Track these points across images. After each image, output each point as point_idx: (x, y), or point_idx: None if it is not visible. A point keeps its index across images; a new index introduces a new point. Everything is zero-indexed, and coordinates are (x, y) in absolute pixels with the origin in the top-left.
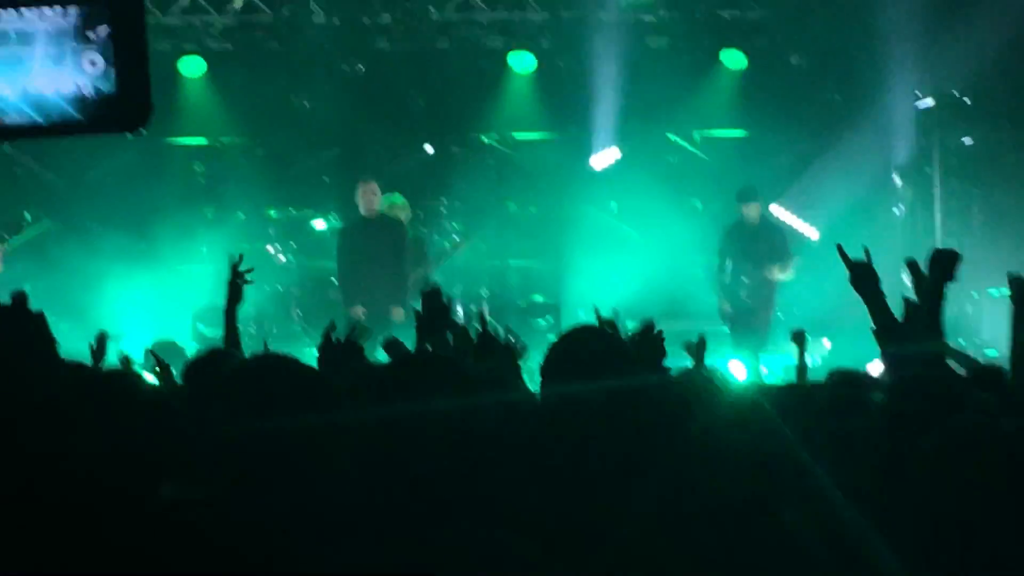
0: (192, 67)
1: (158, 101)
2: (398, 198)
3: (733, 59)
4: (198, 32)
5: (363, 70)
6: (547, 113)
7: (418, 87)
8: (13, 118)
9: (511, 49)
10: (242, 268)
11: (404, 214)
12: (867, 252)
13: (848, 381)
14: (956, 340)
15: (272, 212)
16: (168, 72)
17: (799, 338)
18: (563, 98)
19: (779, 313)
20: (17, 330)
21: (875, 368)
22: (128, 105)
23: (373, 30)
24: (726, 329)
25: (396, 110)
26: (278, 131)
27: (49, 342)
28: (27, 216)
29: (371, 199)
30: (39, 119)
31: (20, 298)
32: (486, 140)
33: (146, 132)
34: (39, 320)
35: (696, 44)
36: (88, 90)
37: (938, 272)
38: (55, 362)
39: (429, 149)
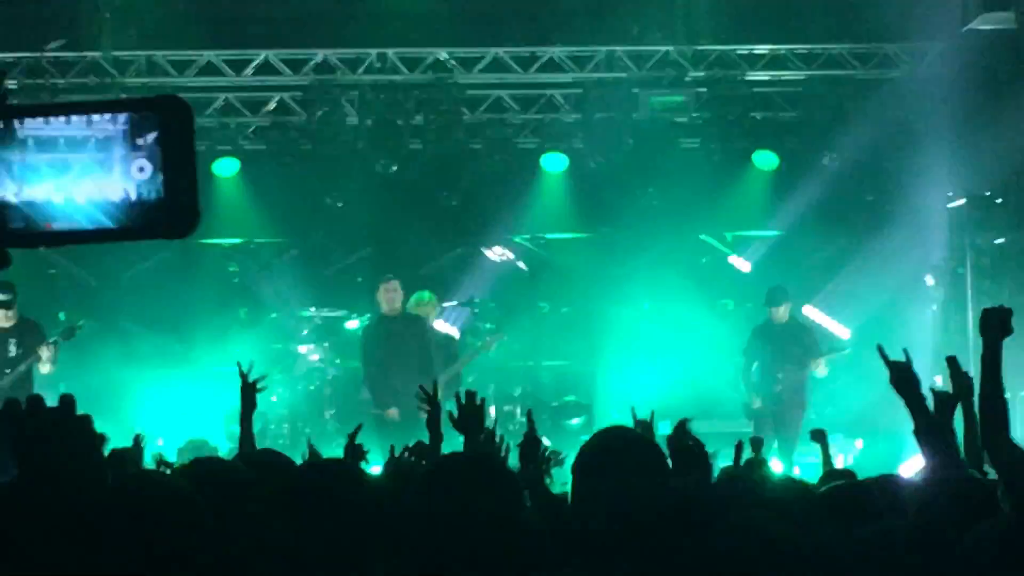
0: (226, 167)
1: None
2: (426, 295)
3: (765, 160)
4: (232, 133)
5: (396, 170)
6: (579, 213)
7: (451, 187)
8: (61, 224)
9: (543, 149)
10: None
11: (432, 311)
12: (907, 353)
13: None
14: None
15: (305, 312)
16: (202, 173)
17: (819, 436)
18: (595, 198)
19: (812, 413)
20: (64, 433)
21: (908, 468)
22: (176, 212)
23: (406, 131)
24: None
25: (429, 210)
26: (312, 231)
27: (93, 446)
28: (62, 316)
29: (392, 297)
30: (87, 225)
31: (68, 401)
32: (518, 240)
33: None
34: (85, 424)
35: (728, 145)
36: (136, 196)
37: (993, 331)
38: (100, 465)
39: (522, 265)
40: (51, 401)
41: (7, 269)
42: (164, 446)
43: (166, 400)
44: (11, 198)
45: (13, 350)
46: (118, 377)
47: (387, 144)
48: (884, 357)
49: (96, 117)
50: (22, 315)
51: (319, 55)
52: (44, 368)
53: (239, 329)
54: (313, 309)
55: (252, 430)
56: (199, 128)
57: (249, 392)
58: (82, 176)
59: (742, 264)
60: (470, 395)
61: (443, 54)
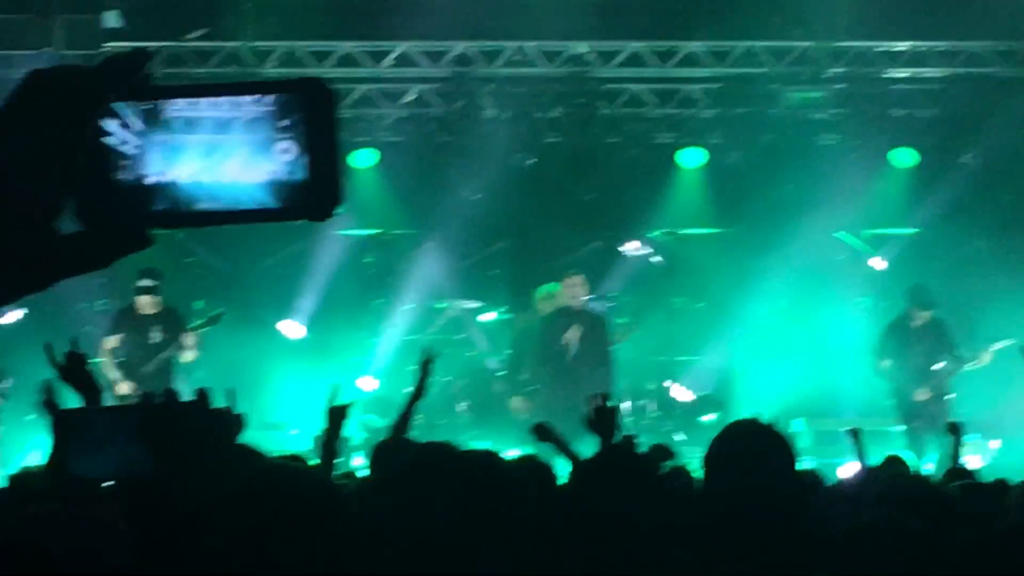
0: (364, 159)
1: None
2: (555, 286)
3: (903, 157)
4: (370, 124)
5: (533, 163)
6: (715, 209)
7: (587, 181)
8: (206, 205)
9: (680, 144)
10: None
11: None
12: None
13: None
14: None
15: (440, 304)
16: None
17: (955, 430)
18: (731, 194)
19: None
20: (200, 427)
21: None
22: (321, 192)
23: (543, 124)
24: (886, 428)
25: (565, 204)
26: (448, 223)
27: (229, 440)
28: (199, 305)
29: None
30: (231, 206)
31: (204, 395)
32: (654, 235)
33: (322, 223)
34: (222, 418)
35: (866, 142)
36: (281, 177)
37: None
38: (231, 459)
39: (657, 259)
40: (189, 392)
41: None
42: (299, 435)
43: (301, 390)
44: (158, 179)
45: (157, 337)
46: (254, 367)
47: (524, 137)
48: None
49: (243, 98)
50: (166, 303)
51: (458, 47)
52: (187, 356)
53: (374, 320)
54: (448, 301)
55: (334, 458)
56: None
57: (336, 416)
58: (227, 157)
59: (879, 263)
60: (603, 398)
61: (581, 47)
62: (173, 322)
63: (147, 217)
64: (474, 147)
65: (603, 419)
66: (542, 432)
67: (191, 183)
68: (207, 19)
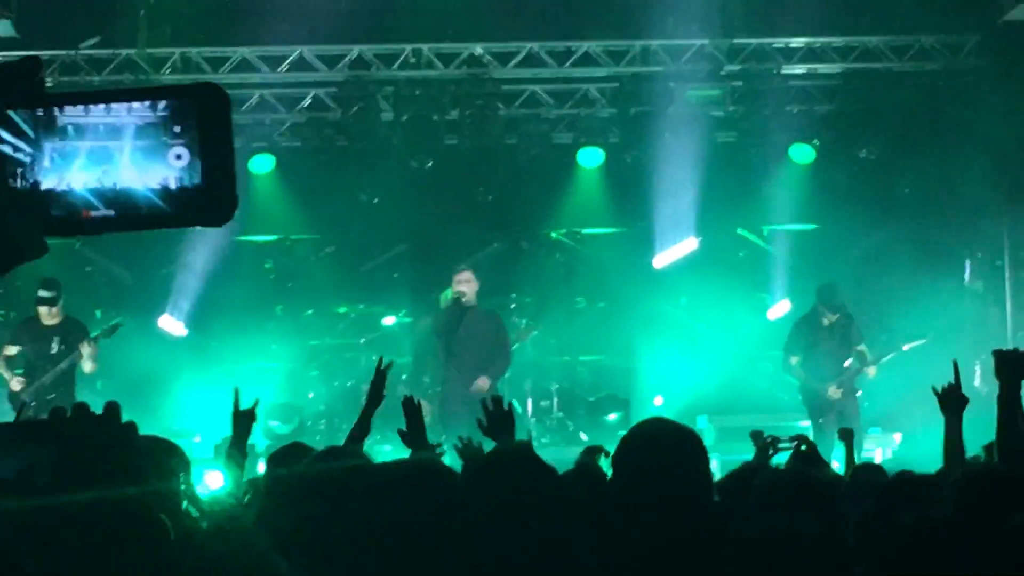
0: (261, 164)
1: None
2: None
3: (802, 153)
4: (267, 129)
5: (432, 166)
6: (615, 208)
7: (487, 182)
8: (101, 211)
9: (579, 144)
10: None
11: None
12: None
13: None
14: None
15: (341, 308)
16: (238, 169)
17: (847, 436)
18: (631, 193)
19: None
20: (107, 440)
21: None
22: (214, 199)
23: (441, 126)
24: (791, 423)
25: (465, 205)
26: (347, 227)
27: (136, 454)
28: (98, 314)
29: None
30: (126, 213)
31: (113, 408)
32: (555, 235)
33: (220, 229)
34: (130, 431)
35: (765, 139)
36: (174, 184)
37: (1011, 375)
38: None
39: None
40: (91, 399)
41: (46, 260)
42: (201, 443)
43: (202, 397)
44: (52, 185)
45: (56, 347)
46: (155, 374)
47: (422, 140)
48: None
49: (136, 104)
50: (67, 314)
51: (354, 51)
52: (87, 366)
53: (275, 326)
54: (348, 305)
55: (241, 459)
56: (234, 125)
57: (242, 420)
58: (122, 163)
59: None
60: (497, 400)
61: (478, 49)
62: (73, 333)
63: (43, 224)
64: (372, 151)
65: (497, 422)
66: (408, 406)
67: (86, 189)
68: (100, 26)
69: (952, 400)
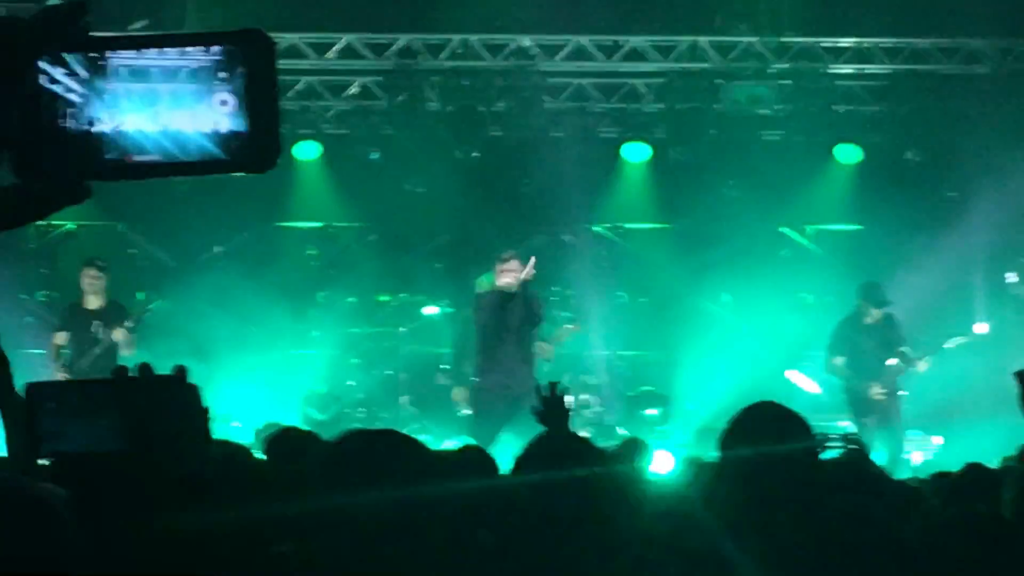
0: (307, 151)
1: (272, 186)
2: (491, 277)
3: (847, 153)
4: (313, 116)
5: (476, 156)
6: (659, 204)
7: (531, 175)
8: (149, 155)
9: (624, 139)
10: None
11: None
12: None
13: None
14: None
15: (383, 297)
16: (283, 156)
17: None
18: (676, 189)
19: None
20: (176, 404)
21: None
22: (258, 145)
23: (487, 117)
24: (833, 424)
25: (509, 197)
26: (391, 216)
27: (206, 417)
28: (140, 296)
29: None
30: (174, 156)
31: (182, 371)
32: (597, 229)
33: (263, 214)
34: (196, 394)
35: (811, 138)
36: (221, 128)
37: None
38: (209, 436)
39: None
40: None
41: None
42: (241, 428)
43: (243, 383)
44: (103, 128)
45: (98, 332)
46: (195, 358)
47: (468, 130)
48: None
49: (189, 49)
50: (110, 298)
51: (402, 40)
52: (125, 351)
53: (317, 313)
54: (390, 294)
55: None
56: (281, 112)
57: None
58: (171, 107)
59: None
60: (552, 387)
61: (526, 41)
62: (114, 316)
63: (94, 166)
64: (417, 140)
65: (552, 408)
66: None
67: (137, 132)
68: (150, 9)
69: None
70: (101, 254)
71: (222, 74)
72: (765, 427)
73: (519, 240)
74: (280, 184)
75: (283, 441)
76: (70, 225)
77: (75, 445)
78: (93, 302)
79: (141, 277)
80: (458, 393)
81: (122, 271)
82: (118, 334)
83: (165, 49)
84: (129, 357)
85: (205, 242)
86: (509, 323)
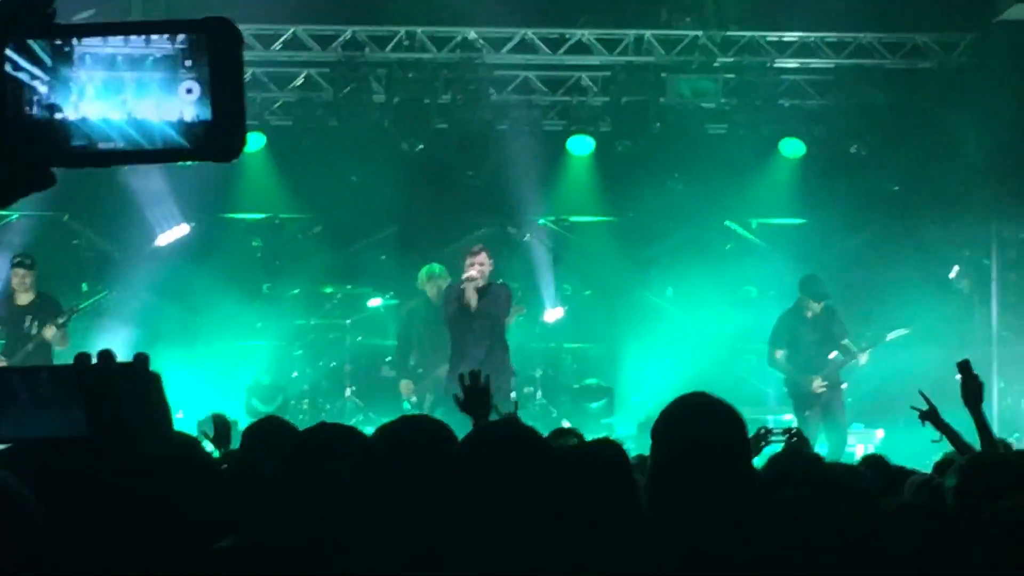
0: (252, 143)
1: (217, 177)
2: (436, 267)
3: (792, 147)
4: (259, 107)
5: (422, 149)
6: (604, 197)
7: (476, 167)
8: (114, 143)
9: (569, 132)
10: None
11: (443, 284)
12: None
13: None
14: (1011, 434)
15: (328, 288)
16: None
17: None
18: (621, 182)
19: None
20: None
21: None
22: (223, 134)
23: (433, 110)
24: (775, 417)
25: (454, 190)
26: (336, 208)
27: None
28: (84, 287)
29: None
30: (139, 144)
31: (143, 358)
32: (542, 222)
33: (208, 205)
34: (158, 382)
35: (755, 132)
36: (186, 117)
37: (976, 403)
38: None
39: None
40: None
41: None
42: (183, 419)
43: (187, 373)
44: (67, 115)
45: (29, 327)
46: (138, 348)
47: (413, 123)
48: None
49: (154, 38)
50: (40, 291)
51: (348, 31)
52: (58, 347)
53: (261, 304)
54: (335, 285)
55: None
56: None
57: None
58: (136, 95)
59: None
60: (475, 376)
61: (472, 33)
62: (45, 311)
63: (58, 154)
64: (363, 132)
65: (474, 398)
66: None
67: (102, 119)
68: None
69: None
70: (43, 244)
71: (188, 62)
72: (695, 416)
73: (464, 233)
74: (225, 175)
75: (267, 431)
76: (12, 216)
77: (34, 431)
78: (23, 298)
79: (85, 267)
80: (406, 385)
81: (66, 262)
82: (48, 332)
83: (131, 37)
84: (62, 352)
85: (149, 233)
86: (477, 316)
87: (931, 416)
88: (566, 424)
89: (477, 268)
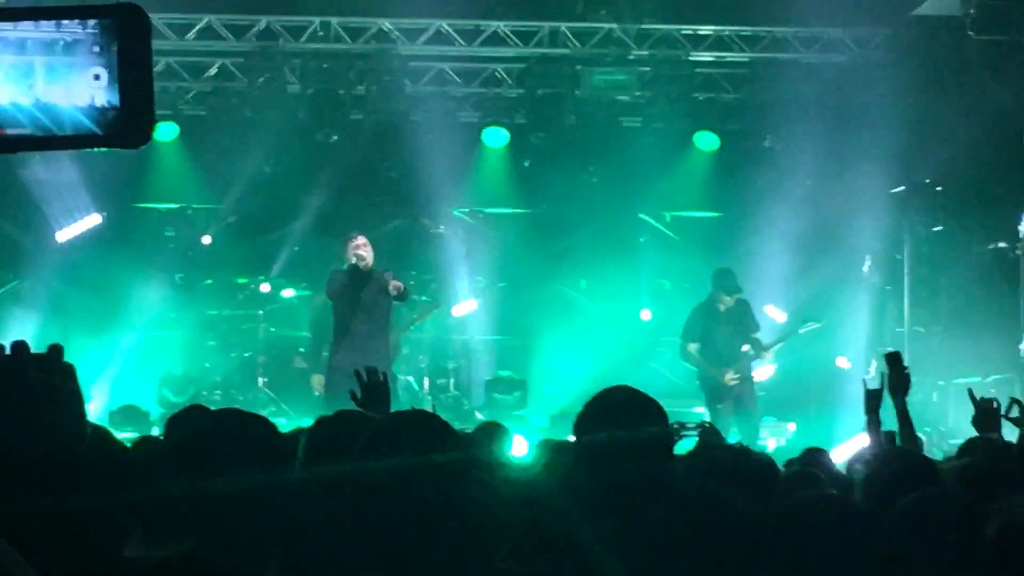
0: (165, 132)
1: (130, 166)
2: None
3: (706, 141)
4: (172, 97)
5: (336, 140)
6: (519, 189)
7: (391, 159)
8: (27, 128)
9: (484, 124)
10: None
11: None
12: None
13: None
14: (922, 429)
15: (241, 279)
16: None
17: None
18: (535, 174)
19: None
20: (53, 381)
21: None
22: (131, 120)
23: (348, 100)
24: (687, 410)
25: (368, 181)
26: (250, 198)
27: (80, 396)
28: None
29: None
30: (47, 130)
31: (57, 351)
32: (457, 213)
33: (121, 194)
34: (72, 373)
35: (670, 125)
36: (94, 103)
37: (901, 392)
38: (84, 416)
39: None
40: None
41: None
42: (95, 409)
43: (98, 363)
44: None
45: None
46: (49, 338)
47: (328, 113)
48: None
49: (64, 23)
50: None
51: (262, 21)
52: None
53: (174, 294)
54: (248, 276)
55: None
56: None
57: None
58: (45, 80)
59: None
60: (372, 371)
61: (387, 24)
62: None
63: None
64: (277, 123)
65: (372, 393)
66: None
67: (11, 104)
68: None
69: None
70: None
71: (97, 48)
72: (619, 411)
73: (379, 224)
74: (139, 165)
75: (190, 419)
76: None
77: None
78: None
79: None
80: (317, 380)
81: None
82: None
83: (41, 21)
84: None
85: (60, 221)
86: (362, 300)
87: (876, 397)
88: (479, 415)
89: (363, 249)
